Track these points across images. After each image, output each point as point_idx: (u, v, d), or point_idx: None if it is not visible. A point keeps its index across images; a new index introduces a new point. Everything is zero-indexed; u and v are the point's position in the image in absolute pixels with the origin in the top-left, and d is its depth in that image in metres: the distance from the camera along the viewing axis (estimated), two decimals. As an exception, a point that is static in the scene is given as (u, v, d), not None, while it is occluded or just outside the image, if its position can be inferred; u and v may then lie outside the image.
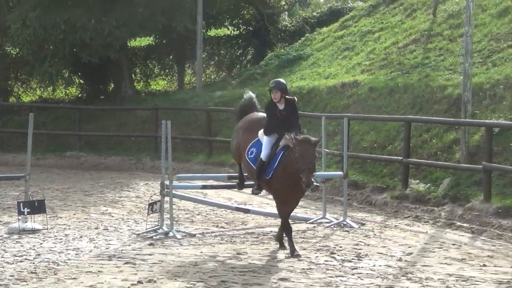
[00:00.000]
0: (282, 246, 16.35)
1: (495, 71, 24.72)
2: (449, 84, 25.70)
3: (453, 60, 27.60)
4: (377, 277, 13.69)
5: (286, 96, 16.02)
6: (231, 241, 17.71)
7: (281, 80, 16.74)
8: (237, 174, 20.69)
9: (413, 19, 33.82)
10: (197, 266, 14.95)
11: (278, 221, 20.11)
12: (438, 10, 32.10)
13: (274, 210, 21.85)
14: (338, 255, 15.76)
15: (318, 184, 16.69)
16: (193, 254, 16.09)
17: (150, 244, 17.19)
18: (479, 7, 28.77)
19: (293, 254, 15.44)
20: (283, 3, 45.49)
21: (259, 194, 18.11)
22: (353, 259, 15.27)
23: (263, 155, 15.98)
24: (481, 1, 29.77)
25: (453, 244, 17.32)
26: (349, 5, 46.14)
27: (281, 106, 15.94)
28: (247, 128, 17.08)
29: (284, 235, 16.37)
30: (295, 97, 16.50)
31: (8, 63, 42.55)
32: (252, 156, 16.50)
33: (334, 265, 15.02)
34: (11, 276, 14.09)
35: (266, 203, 23.66)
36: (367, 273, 13.70)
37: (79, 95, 44.11)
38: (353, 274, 13.92)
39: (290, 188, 15.69)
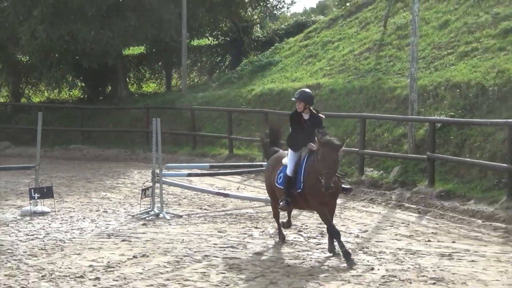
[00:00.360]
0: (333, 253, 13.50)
1: (437, 75, 24.76)
2: (398, 86, 25.75)
3: (401, 65, 27.64)
4: (338, 251, 13.73)
5: (311, 108, 13.90)
6: (213, 221, 17.69)
7: (306, 90, 14.39)
8: (218, 164, 20.54)
9: (367, 30, 33.84)
10: (184, 242, 14.95)
11: (254, 204, 20.18)
12: (388, 23, 32.14)
13: (250, 194, 21.96)
14: (304, 232, 15.77)
15: (350, 187, 14.84)
16: (180, 233, 16.09)
17: (143, 224, 17.19)
18: (423, 20, 28.80)
19: (347, 257, 12.79)
20: (256, 17, 45.45)
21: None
22: (317, 236, 15.28)
23: (288, 170, 13.66)
24: (425, 15, 29.82)
25: (402, 223, 17.36)
26: (312, 18, 46.17)
27: (305, 116, 13.78)
28: (274, 163, 14.67)
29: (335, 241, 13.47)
30: (323, 116, 14.23)
31: (20, 69, 42.35)
32: (280, 180, 14.01)
33: (301, 241, 15.05)
34: (24, 252, 14.11)
35: (243, 188, 23.67)
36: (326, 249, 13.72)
37: (81, 96, 43.96)
38: (317, 249, 13.96)
39: (322, 192, 12.95)
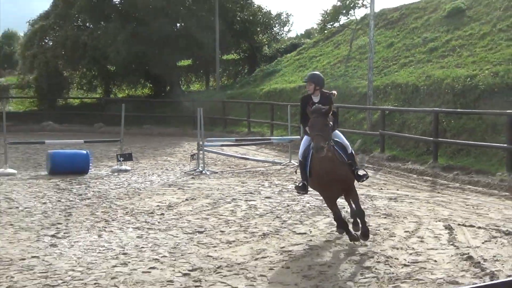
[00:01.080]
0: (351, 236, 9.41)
1: (386, 79, 24.67)
2: (360, 86, 25.65)
3: (361, 72, 27.50)
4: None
5: (323, 90, 9.81)
6: (237, 175, 17.68)
7: (316, 73, 10.16)
8: (241, 138, 20.11)
9: (338, 49, 33.66)
10: (219, 190, 14.93)
11: (264, 164, 20.11)
12: (353, 44, 31.96)
13: (262, 158, 21.88)
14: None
15: (364, 173, 9.71)
16: (216, 183, 16.06)
17: (192, 178, 17.20)
18: (376, 42, 28.58)
19: (352, 239, 9.31)
20: (264, 40, 45.29)
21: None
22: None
23: (300, 154, 9.82)
24: (377, 38, 29.58)
25: (363, 177, 17.32)
26: (302, 41, 45.96)
27: (315, 99, 9.61)
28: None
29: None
30: (333, 92, 10.17)
31: (109, 75, 42.35)
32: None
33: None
34: (113, 196, 14.16)
35: (257, 154, 23.62)
36: (315, 193, 13.64)
37: (150, 93, 43.97)
38: (307, 194, 13.86)
39: (322, 177, 9.10)
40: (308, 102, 9.56)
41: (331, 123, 9.01)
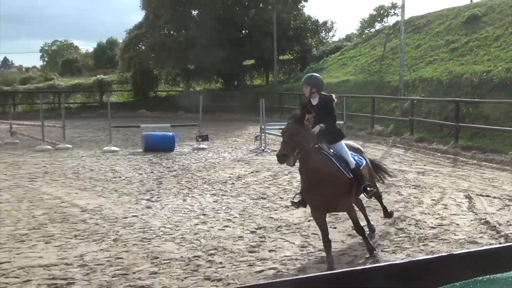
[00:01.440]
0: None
1: (414, 74, 24.08)
2: (393, 80, 25.12)
3: (394, 69, 26.88)
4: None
5: (322, 93, 6.96)
6: (292, 153, 17.61)
7: (314, 74, 7.22)
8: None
9: (374, 50, 32.94)
10: (277, 164, 14.85)
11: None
12: (387, 45, 31.25)
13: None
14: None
15: (372, 189, 7.08)
16: (276, 159, 16.02)
17: (256, 155, 17.21)
18: (406, 44, 27.87)
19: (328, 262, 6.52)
20: (313, 43, 44.73)
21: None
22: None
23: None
24: (407, 41, 28.80)
25: (396, 155, 16.94)
26: (344, 44, 45.18)
27: (314, 101, 6.91)
28: None
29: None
30: (332, 95, 7.05)
31: (189, 72, 42.66)
32: None
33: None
34: (194, 169, 14.28)
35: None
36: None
37: (222, 87, 44.10)
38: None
39: (307, 183, 6.67)
40: (307, 105, 7.03)
41: (317, 128, 6.64)
